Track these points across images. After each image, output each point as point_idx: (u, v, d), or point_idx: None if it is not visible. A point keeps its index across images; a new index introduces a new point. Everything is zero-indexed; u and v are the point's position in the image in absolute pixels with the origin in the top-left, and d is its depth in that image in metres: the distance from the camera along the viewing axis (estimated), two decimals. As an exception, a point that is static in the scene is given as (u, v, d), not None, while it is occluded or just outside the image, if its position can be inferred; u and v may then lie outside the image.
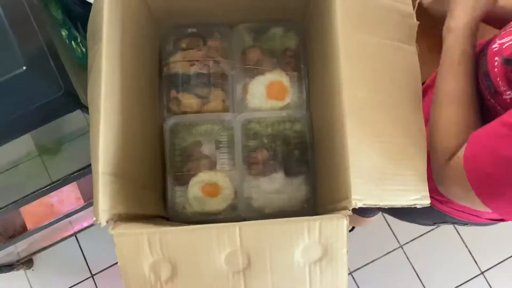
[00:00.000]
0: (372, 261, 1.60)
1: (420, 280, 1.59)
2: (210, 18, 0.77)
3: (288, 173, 0.72)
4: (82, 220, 1.48)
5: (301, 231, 0.46)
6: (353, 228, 1.53)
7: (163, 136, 0.72)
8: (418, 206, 0.52)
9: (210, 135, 0.73)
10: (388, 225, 1.64)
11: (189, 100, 0.74)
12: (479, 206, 0.51)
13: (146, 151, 0.67)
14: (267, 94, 0.75)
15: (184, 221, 0.70)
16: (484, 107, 0.56)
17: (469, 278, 1.59)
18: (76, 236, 1.60)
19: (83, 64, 0.75)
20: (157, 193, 0.70)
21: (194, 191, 0.70)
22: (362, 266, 1.59)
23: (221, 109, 0.74)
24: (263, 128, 0.74)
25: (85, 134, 1.01)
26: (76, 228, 1.54)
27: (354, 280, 1.58)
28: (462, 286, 1.58)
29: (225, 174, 0.71)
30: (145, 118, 0.67)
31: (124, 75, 0.55)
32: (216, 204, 0.70)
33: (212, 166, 0.72)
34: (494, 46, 0.52)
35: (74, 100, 0.62)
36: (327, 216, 0.47)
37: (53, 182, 1.00)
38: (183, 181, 0.71)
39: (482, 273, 1.59)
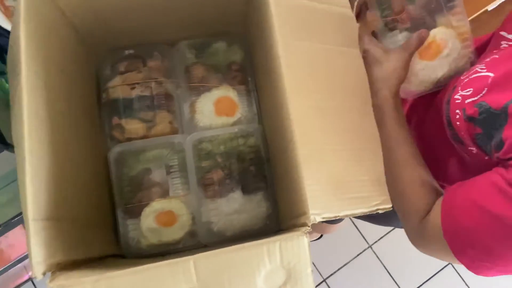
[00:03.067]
0: (344, 265, 1.60)
1: (391, 277, 1.60)
2: (148, 38, 0.73)
3: (246, 190, 0.69)
4: (36, 264, 1.37)
5: (261, 256, 0.43)
6: (321, 235, 1.52)
7: (109, 167, 0.67)
8: (380, 211, 0.51)
9: (159, 161, 0.69)
10: (355, 226, 1.64)
11: (133, 126, 0.69)
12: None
13: (89, 186, 0.61)
14: (216, 111, 0.72)
15: (141, 256, 0.65)
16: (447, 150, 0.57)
17: (438, 270, 1.62)
18: (32, 281, 1.49)
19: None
20: (106, 229, 0.64)
21: (148, 222, 0.66)
22: (335, 272, 1.59)
23: (169, 131, 0.70)
24: (215, 146, 0.71)
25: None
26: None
27: (329, 287, 1.57)
28: (432, 277, 1.61)
29: (179, 200, 0.67)
30: (84, 150, 0.62)
31: (52, 107, 0.50)
32: (173, 233, 0.66)
33: (165, 193, 0.68)
34: (456, 96, 0.51)
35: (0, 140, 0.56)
36: (286, 235, 0.44)
37: (-3, 227, 0.92)
38: (135, 213, 0.66)
39: (450, 262, 1.62)
